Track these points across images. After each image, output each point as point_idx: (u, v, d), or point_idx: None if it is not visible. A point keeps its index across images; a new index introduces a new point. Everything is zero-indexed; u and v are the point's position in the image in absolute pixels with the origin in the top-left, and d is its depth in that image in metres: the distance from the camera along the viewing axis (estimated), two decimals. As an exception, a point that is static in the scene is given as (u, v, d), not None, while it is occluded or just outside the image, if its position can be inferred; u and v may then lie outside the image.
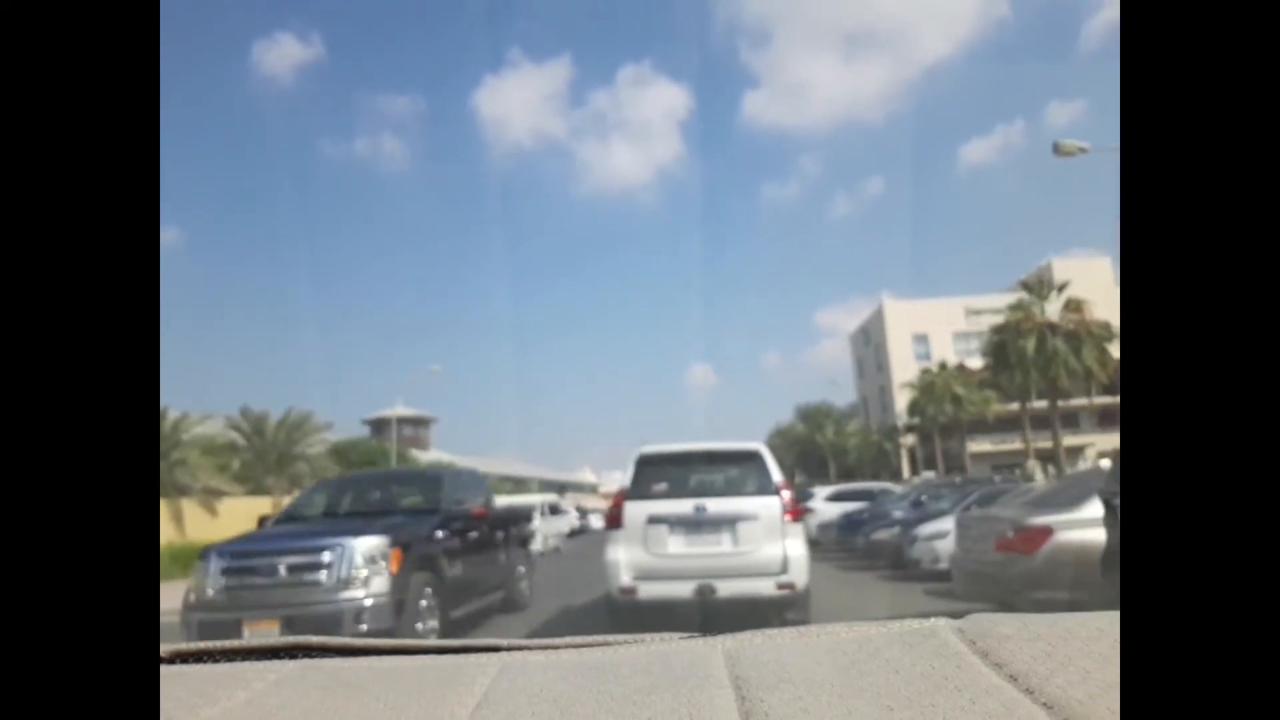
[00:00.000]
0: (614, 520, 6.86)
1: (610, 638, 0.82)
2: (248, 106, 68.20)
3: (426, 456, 47.12)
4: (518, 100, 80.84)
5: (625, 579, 6.58)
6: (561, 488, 62.78)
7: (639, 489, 6.94)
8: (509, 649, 0.81)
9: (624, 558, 6.63)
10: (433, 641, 0.85)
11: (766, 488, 6.70)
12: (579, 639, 0.83)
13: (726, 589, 6.36)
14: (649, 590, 6.52)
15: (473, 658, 0.78)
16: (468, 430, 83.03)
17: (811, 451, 54.18)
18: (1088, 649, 0.64)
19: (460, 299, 78.78)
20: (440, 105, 76.90)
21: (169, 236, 58.74)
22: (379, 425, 53.11)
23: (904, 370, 47.87)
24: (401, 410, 54.30)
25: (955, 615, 0.77)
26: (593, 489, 74.63)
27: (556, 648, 0.81)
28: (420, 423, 57.09)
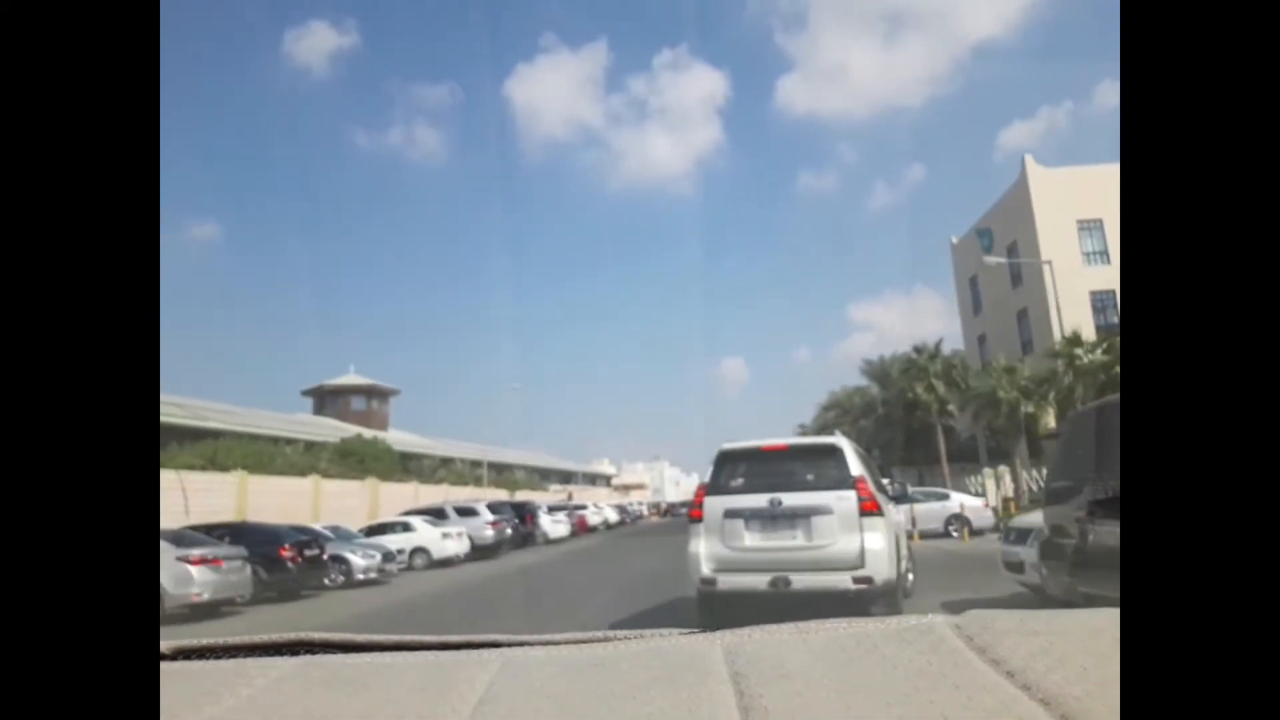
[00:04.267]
0: (695, 514, 7.42)
1: (610, 633, 0.85)
2: (275, 95, 71.72)
3: (388, 437, 40.34)
4: (549, 90, 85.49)
5: (705, 570, 7.14)
6: (567, 477, 61.12)
7: (718, 484, 7.47)
8: (510, 645, 0.84)
9: (704, 550, 7.19)
10: (434, 637, 0.88)
11: (843, 481, 7.01)
12: (579, 635, 0.87)
13: (801, 581, 6.78)
14: (728, 581, 7.05)
15: (474, 653, 0.81)
16: (469, 414, 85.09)
17: (897, 422, 36.92)
18: (1085, 645, 0.66)
19: (483, 289, 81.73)
20: (472, 95, 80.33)
21: (205, 228, 63.60)
22: (323, 397, 47.39)
23: (1069, 278, 26.14)
24: (355, 379, 47.85)
25: (953, 612, 0.80)
26: (607, 480, 75.30)
27: (557, 643, 0.84)
28: (376, 394, 48.85)
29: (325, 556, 14.90)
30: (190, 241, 68.31)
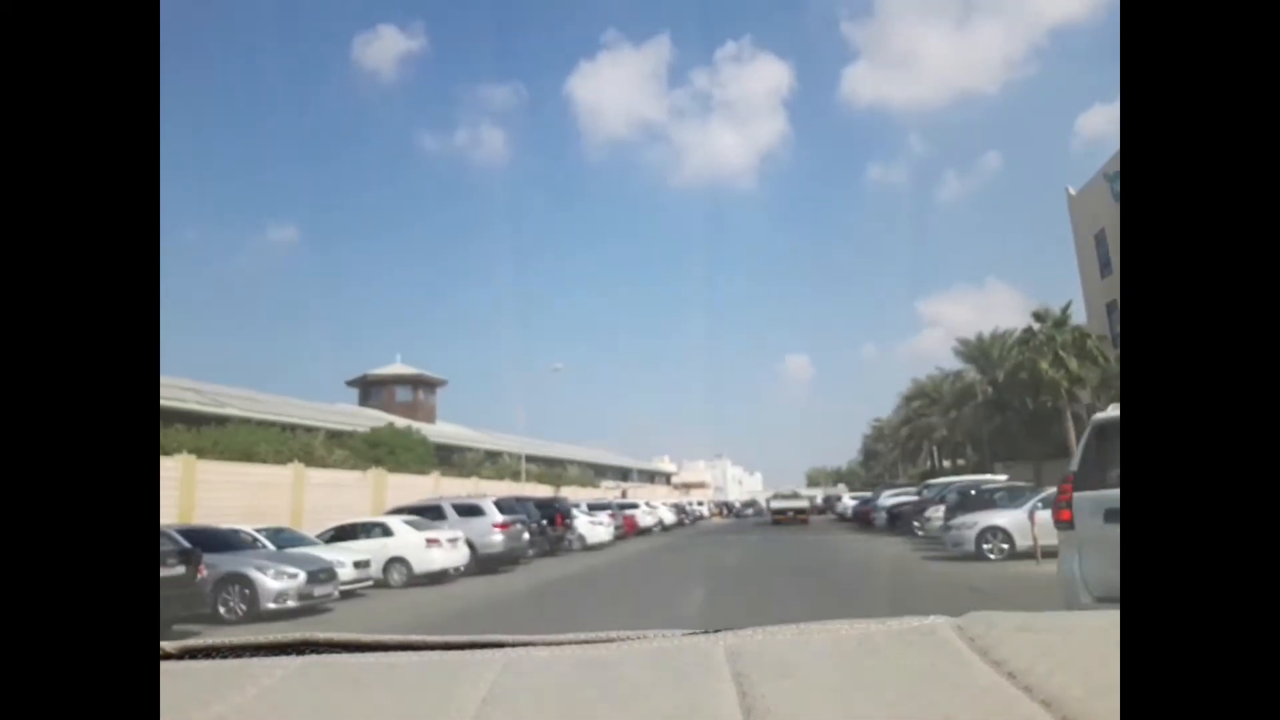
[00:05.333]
0: (1064, 515, 5.60)
1: (613, 634, 0.88)
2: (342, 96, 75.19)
3: (431, 429, 38.86)
4: (613, 85, 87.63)
5: (1086, 600, 5.16)
6: (624, 474, 59.68)
7: (1092, 472, 5.41)
8: (513, 645, 0.87)
9: (1077, 570, 5.35)
10: (438, 638, 0.91)
11: None
12: (583, 635, 0.89)
13: None
14: None
15: (478, 654, 0.84)
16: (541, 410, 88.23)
17: (1010, 408, 33.41)
18: (1086, 647, 0.69)
19: (547, 286, 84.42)
20: (534, 92, 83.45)
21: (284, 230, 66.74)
22: (369, 387, 47.13)
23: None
24: (400, 368, 47.14)
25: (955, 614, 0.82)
26: (666, 478, 75.10)
27: (560, 644, 0.87)
28: (423, 384, 48.07)
29: (201, 575, 10.41)
30: (268, 243, 72.20)
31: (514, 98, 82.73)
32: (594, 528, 26.04)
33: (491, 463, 40.43)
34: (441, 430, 42.62)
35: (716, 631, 0.86)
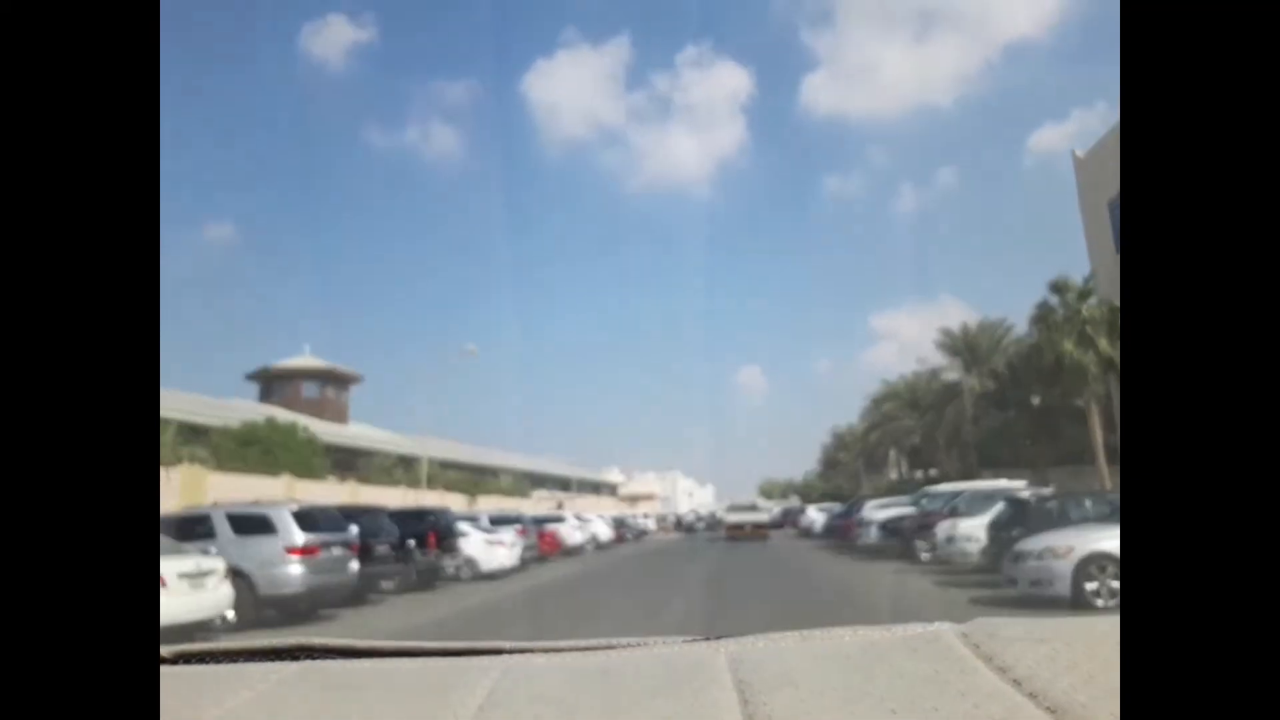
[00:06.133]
0: None
1: (613, 640, 0.89)
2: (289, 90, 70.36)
3: (345, 431, 36.53)
4: (570, 86, 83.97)
5: None
6: (565, 484, 56.50)
7: None
8: (511, 651, 0.88)
9: None
10: (435, 643, 0.93)
11: None
12: (582, 641, 0.91)
13: None
14: None
15: (475, 660, 0.85)
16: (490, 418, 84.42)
17: (1014, 405, 28.56)
18: (1092, 653, 0.70)
19: (493, 287, 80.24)
20: (487, 91, 78.73)
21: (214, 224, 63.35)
22: (271, 381, 42.18)
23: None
24: (308, 361, 42.05)
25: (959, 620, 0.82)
26: (612, 490, 72.13)
27: (559, 650, 0.88)
28: (333, 379, 42.64)
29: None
30: (205, 241, 68.01)
31: (466, 95, 79.48)
32: (491, 549, 19.03)
33: (406, 468, 35.93)
34: (350, 432, 38.26)
35: (718, 639, 0.86)
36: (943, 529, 16.84)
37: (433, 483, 34.60)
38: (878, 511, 23.25)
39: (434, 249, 79.79)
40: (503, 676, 0.77)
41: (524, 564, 20.37)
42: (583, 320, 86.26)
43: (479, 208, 79.74)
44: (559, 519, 29.46)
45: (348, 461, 31.84)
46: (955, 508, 17.91)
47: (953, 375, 35.88)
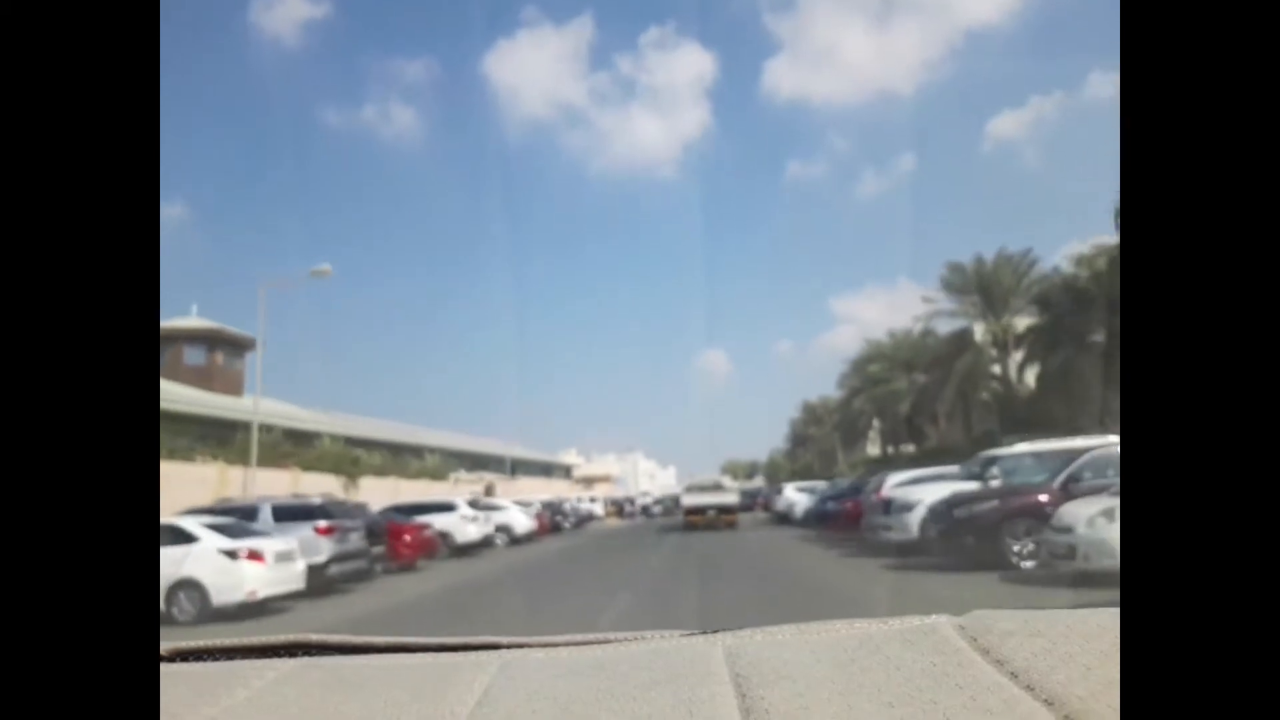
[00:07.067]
0: None
1: (610, 635, 0.89)
2: (246, 68, 69.01)
3: (240, 403, 30.33)
4: (533, 66, 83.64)
5: None
6: (511, 466, 50.43)
7: None
8: (509, 646, 0.88)
9: None
10: (432, 639, 0.92)
11: None
12: (579, 636, 0.91)
13: None
14: None
15: (472, 655, 0.85)
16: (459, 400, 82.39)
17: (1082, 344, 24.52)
18: (1088, 645, 0.69)
19: (466, 268, 79.97)
20: (446, 70, 78.09)
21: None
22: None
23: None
24: (193, 322, 35.30)
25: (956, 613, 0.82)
26: (566, 472, 68.76)
27: (556, 645, 0.88)
28: (223, 342, 35.53)
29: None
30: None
31: (425, 73, 78.97)
32: (231, 568, 11.16)
33: (303, 446, 30.77)
34: (235, 405, 31.53)
35: (715, 632, 0.86)
36: (1074, 515, 9.36)
37: (322, 462, 29.18)
38: (913, 489, 15.35)
39: (391, 228, 78.22)
40: (500, 672, 0.77)
41: (339, 581, 13.37)
42: (543, 302, 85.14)
43: (437, 187, 79.02)
44: (447, 506, 22.30)
45: (222, 438, 26.45)
46: (1077, 477, 10.84)
47: (959, 323, 31.12)
